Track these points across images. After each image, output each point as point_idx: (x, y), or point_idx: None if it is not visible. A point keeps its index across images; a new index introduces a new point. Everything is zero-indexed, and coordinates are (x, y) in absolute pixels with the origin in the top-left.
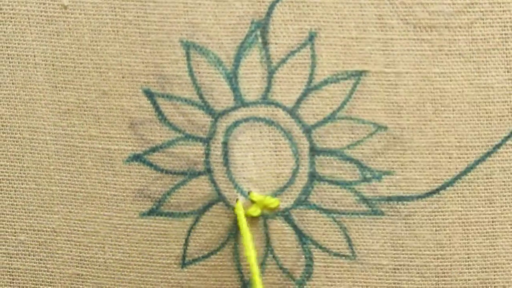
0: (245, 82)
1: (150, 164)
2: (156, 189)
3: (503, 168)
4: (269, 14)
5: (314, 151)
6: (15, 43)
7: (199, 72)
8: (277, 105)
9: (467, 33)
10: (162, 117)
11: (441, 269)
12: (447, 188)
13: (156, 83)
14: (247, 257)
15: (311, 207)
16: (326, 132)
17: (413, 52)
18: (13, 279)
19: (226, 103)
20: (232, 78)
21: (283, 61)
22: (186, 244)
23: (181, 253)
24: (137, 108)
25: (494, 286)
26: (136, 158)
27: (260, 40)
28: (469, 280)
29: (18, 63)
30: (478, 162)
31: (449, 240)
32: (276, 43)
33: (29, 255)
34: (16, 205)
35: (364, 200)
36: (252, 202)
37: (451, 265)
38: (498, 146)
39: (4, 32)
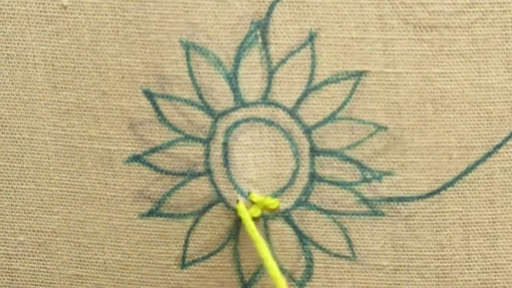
0: (245, 82)
1: (150, 165)
2: (156, 190)
3: (504, 169)
4: (269, 14)
5: (314, 151)
6: (14, 43)
7: (199, 73)
8: (277, 105)
9: (468, 33)
10: (162, 117)
11: (442, 270)
12: (448, 188)
13: (156, 83)
14: (263, 259)
15: (311, 207)
16: (326, 132)
17: (413, 52)
18: (12, 280)
19: (226, 104)
20: (232, 79)
21: (283, 61)
22: (185, 245)
23: (181, 254)
24: (136, 108)
25: (495, 287)
26: (136, 158)
27: (260, 40)
28: (469, 280)
29: (18, 63)
30: (478, 162)
31: (450, 240)
32: (276, 43)
33: (28, 256)
34: (16, 205)
35: (365, 200)
36: (252, 203)
37: (451, 266)
38: (498, 146)
39: (4, 32)
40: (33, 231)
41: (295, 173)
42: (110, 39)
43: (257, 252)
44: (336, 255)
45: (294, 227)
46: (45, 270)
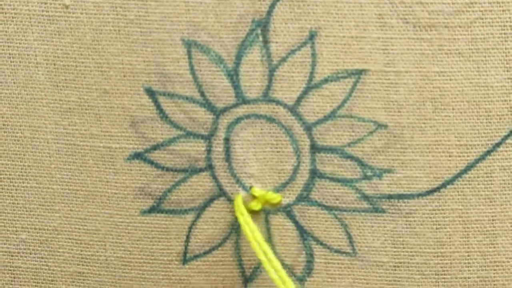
0: (246, 79)
1: (151, 162)
2: (157, 186)
3: (503, 167)
4: (270, 13)
5: (315, 148)
6: (16, 43)
7: (200, 70)
8: (278, 102)
9: (467, 33)
10: (163, 115)
11: (441, 267)
12: (448, 186)
13: (158, 81)
14: (253, 247)
15: (313, 203)
16: (327, 130)
17: (413, 51)
18: (14, 278)
19: (227, 101)
20: (233, 76)
21: (284, 59)
22: (187, 240)
23: (182, 249)
24: (138, 106)
25: (494, 284)
26: (137, 156)
27: (261, 38)
28: (469, 278)
29: (20, 62)
30: (478, 160)
31: (449, 238)
32: (276, 42)
33: (30, 254)
34: (17, 203)
35: (365, 197)
36: (254, 197)
37: (451, 263)
38: (498, 144)
39: (6, 31)
40: (35, 228)
41: (296, 169)
42: (111, 38)
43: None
44: (337, 251)
45: (295, 222)
46: (47, 267)
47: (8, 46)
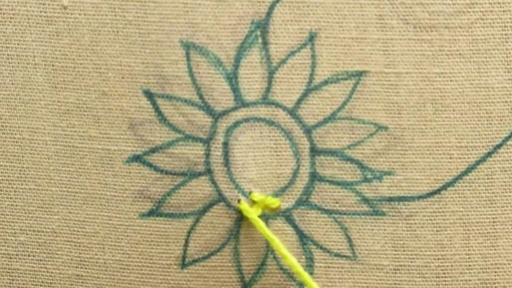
0: (245, 82)
1: (150, 165)
2: (156, 189)
3: (504, 169)
4: (269, 14)
5: (314, 151)
6: (14, 44)
7: (199, 73)
8: (277, 105)
9: (467, 34)
10: (162, 117)
11: (442, 270)
12: (448, 188)
13: (156, 83)
14: (290, 265)
15: (312, 207)
16: (327, 132)
17: (413, 52)
18: (12, 280)
19: (226, 104)
20: (232, 79)
21: (283, 61)
22: (186, 244)
23: (181, 254)
24: (137, 108)
25: (495, 287)
26: (136, 158)
27: (260, 40)
28: (469, 280)
29: (18, 63)
30: (478, 162)
31: (450, 240)
32: (276, 43)
33: (28, 256)
34: (16, 205)
35: (365, 200)
36: (253, 202)
37: (451, 266)
38: (498, 146)
39: (4, 32)
40: (34, 231)
41: (295, 173)
42: (110, 40)
43: (257, 251)
44: (337, 255)
45: (295, 227)
46: (45, 270)
47: (7, 47)
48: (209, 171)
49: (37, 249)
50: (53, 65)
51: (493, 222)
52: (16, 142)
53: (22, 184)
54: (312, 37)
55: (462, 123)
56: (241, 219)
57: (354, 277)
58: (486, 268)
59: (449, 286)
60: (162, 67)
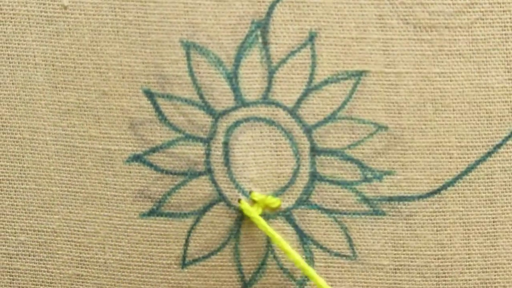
0: (245, 82)
1: (150, 165)
2: (157, 189)
3: (504, 168)
4: (269, 14)
5: (314, 151)
6: (15, 43)
7: (199, 72)
8: (277, 105)
9: (467, 33)
10: (162, 117)
11: (442, 269)
12: (448, 188)
13: (156, 83)
14: (294, 261)
15: (312, 207)
16: (327, 132)
17: (413, 52)
18: (13, 280)
19: (227, 103)
20: (233, 78)
21: (284, 61)
22: (186, 244)
23: (181, 253)
24: (137, 108)
25: (495, 287)
26: (136, 158)
27: (260, 40)
28: (469, 280)
29: (18, 63)
30: (478, 162)
31: (450, 240)
32: (276, 43)
33: (29, 256)
34: (16, 205)
35: (365, 200)
36: (254, 201)
37: (451, 265)
38: (498, 146)
39: (4, 32)
40: (34, 230)
41: (295, 173)
42: (110, 39)
43: (258, 251)
44: (337, 254)
45: (295, 226)
46: (45, 269)
47: (7, 47)
48: (209, 171)
49: (38, 248)
50: (53, 65)
51: (493, 221)
52: (17, 141)
53: (22, 184)
54: (312, 37)
55: (462, 123)
56: (241, 218)
57: (354, 277)
58: (486, 268)
59: (449, 285)
60: (162, 67)
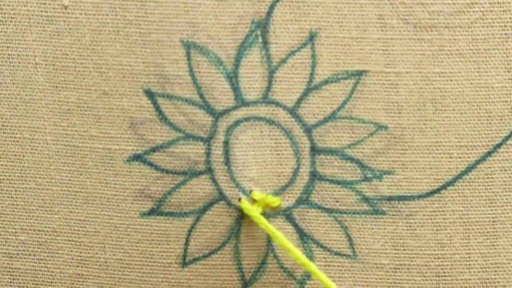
0: (245, 81)
1: (151, 164)
2: (157, 188)
3: (504, 168)
4: (269, 14)
5: (314, 150)
6: (15, 43)
7: (199, 72)
8: (277, 104)
9: (467, 33)
10: (162, 116)
11: (442, 269)
12: (448, 187)
13: (157, 83)
14: (296, 258)
15: (313, 206)
16: (327, 131)
17: (413, 52)
18: (13, 279)
19: (227, 103)
20: (233, 78)
21: (284, 60)
22: (186, 243)
23: (182, 252)
24: (137, 108)
25: (495, 286)
26: (137, 158)
27: (260, 39)
28: (469, 279)
29: (19, 63)
30: (478, 161)
31: (450, 239)
32: (276, 43)
33: (29, 255)
34: (17, 205)
35: (366, 199)
36: (254, 201)
37: (451, 265)
38: (498, 145)
39: (5, 32)
40: (34, 230)
41: (296, 172)
42: (110, 39)
43: (258, 250)
44: (337, 254)
45: (295, 225)
46: (46, 269)
47: (7, 47)
48: (209, 170)
49: (38, 248)
50: (53, 65)
51: (493, 221)
52: (17, 141)
53: (23, 184)
54: (312, 37)
55: (462, 123)
56: (241, 217)
57: (354, 276)
58: (486, 267)
59: (449, 285)
60: (162, 67)
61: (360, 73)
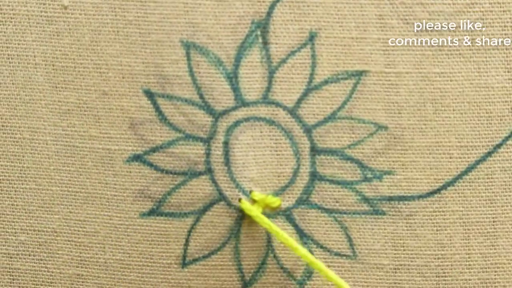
0: (245, 82)
1: (151, 164)
2: (157, 189)
3: (504, 168)
4: (269, 14)
5: (314, 150)
6: (15, 44)
7: (199, 72)
8: (277, 105)
9: (467, 33)
10: (162, 117)
11: (442, 269)
12: (448, 188)
13: (157, 83)
14: (302, 255)
15: (313, 206)
16: (327, 131)
17: (413, 52)
18: (13, 279)
19: (227, 103)
20: (233, 78)
21: (284, 61)
22: (186, 244)
23: (182, 253)
24: (137, 108)
25: (495, 286)
26: (137, 158)
27: (260, 40)
28: (469, 280)
29: (18, 63)
30: (478, 162)
31: (450, 240)
32: (276, 43)
33: (29, 256)
34: (17, 205)
35: (366, 199)
36: (254, 201)
37: (451, 265)
38: (498, 146)
39: (4, 32)
40: (34, 230)
41: (296, 172)
42: (110, 39)
43: (258, 250)
44: (337, 254)
45: (295, 226)
46: (46, 269)
47: (7, 47)
48: (209, 171)
49: (38, 248)
50: (53, 65)
51: (493, 221)
52: (17, 141)
53: (22, 184)
54: (312, 37)
55: (462, 123)
56: (241, 218)
57: (354, 276)
58: (486, 268)
59: (449, 285)
60: (162, 67)
61: (360, 73)
